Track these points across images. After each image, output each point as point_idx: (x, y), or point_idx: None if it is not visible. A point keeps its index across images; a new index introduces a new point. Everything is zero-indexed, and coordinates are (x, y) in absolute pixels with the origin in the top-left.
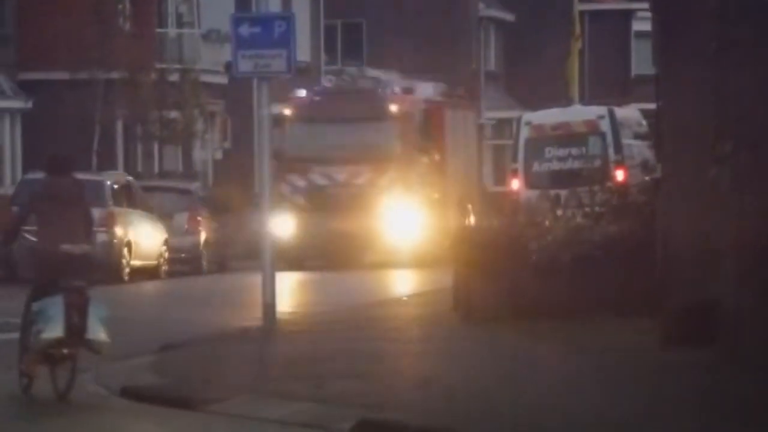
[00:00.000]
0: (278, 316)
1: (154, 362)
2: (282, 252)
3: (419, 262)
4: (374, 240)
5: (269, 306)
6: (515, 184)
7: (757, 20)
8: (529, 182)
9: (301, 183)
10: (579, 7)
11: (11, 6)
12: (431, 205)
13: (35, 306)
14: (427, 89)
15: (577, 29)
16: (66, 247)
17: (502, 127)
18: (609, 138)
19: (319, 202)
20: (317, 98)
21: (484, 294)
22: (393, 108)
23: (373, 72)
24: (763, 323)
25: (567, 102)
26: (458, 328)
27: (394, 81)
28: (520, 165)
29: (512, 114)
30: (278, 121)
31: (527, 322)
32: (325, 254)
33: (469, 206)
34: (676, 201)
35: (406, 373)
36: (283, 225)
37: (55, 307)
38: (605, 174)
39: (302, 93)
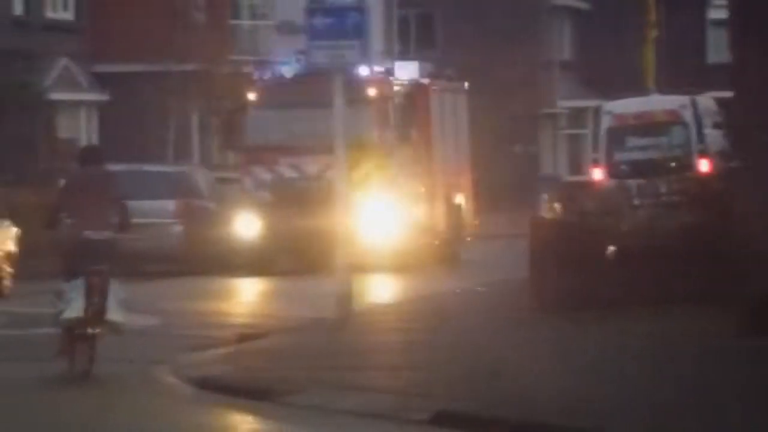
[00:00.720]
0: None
1: (231, 354)
2: (245, 254)
3: (401, 265)
4: (349, 240)
5: (344, 297)
6: (597, 173)
7: None
8: (611, 172)
9: (265, 176)
10: None
11: None
12: (415, 199)
13: (60, 288)
14: (409, 70)
15: (653, 17)
16: (88, 233)
17: (576, 116)
18: (692, 128)
19: (287, 198)
20: (284, 80)
21: (561, 284)
22: (369, 91)
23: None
24: None
25: (643, 91)
26: (536, 318)
27: (372, 60)
28: (601, 155)
29: (587, 103)
30: (240, 106)
31: (604, 312)
32: (294, 256)
33: (553, 200)
34: (752, 190)
35: (484, 363)
36: (245, 223)
37: (76, 290)
38: (688, 164)
39: (267, 74)
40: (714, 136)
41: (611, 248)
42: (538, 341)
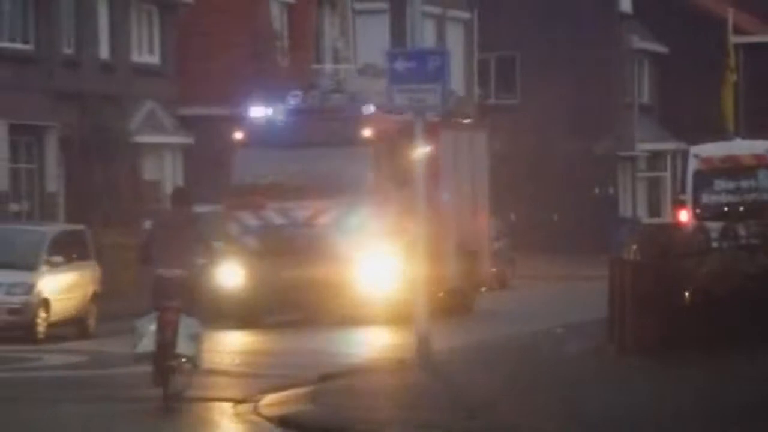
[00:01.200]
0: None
1: (312, 392)
2: (229, 306)
3: (399, 318)
4: (341, 293)
5: (423, 339)
6: (683, 215)
7: None
8: (698, 214)
9: (253, 222)
10: (733, 39)
11: (171, 42)
12: (418, 250)
13: (136, 324)
14: None
15: (732, 61)
16: (161, 271)
17: (655, 159)
18: None
19: (275, 246)
20: (275, 118)
21: (640, 326)
22: (366, 131)
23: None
24: None
25: (722, 134)
26: (616, 360)
27: (372, 98)
28: (688, 196)
29: (665, 146)
30: (227, 147)
31: (685, 354)
32: (282, 309)
33: (633, 242)
34: None
35: (561, 404)
36: (229, 273)
37: (148, 325)
38: None
39: (258, 112)
40: None
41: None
42: (618, 389)
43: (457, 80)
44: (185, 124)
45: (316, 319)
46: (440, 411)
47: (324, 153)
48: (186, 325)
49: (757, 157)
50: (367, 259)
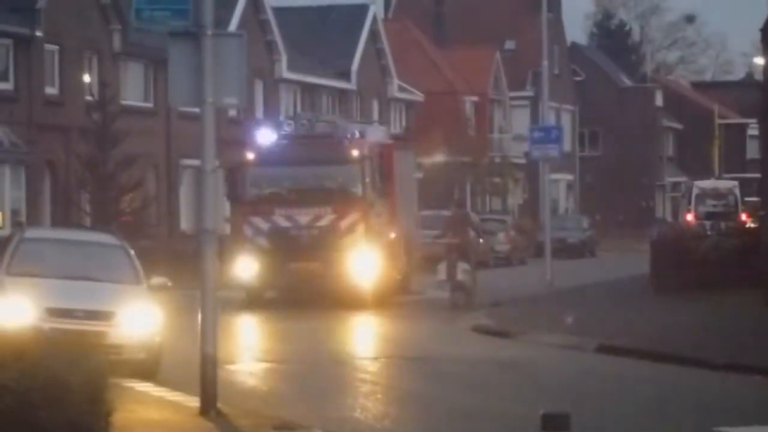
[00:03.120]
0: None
1: (493, 311)
2: (245, 290)
3: (380, 303)
4: (336, 281)
5: (548, 279)
6: (689, 217)
7: None
8: (696, 216)
9: (263, 225)
10: (717, 121)
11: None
12: (388, 246)
13: (437, 267)
14: (376, 132)
15: (717, 134)
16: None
17: (674, 186)
18: (737, 197)
19: (282, 244)
20: (279, 143)
21: (667, 277)
22: (353, 151)
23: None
24: None
25: (712, 174)
26: (654, 294)
27: (347, 125)
28: (692, 207)
29: (680, 179)
30: (240, 165)
31: (693, 293)
32: (288, 293)
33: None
34: None
35: (624, 319)
36: (245, 266)
37: (443, 267)
38: (736, 214)
39: (265, 139)
40: (747, 202)
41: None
42: (657, 308)
43: (567, 141)
44: None
45: (314, 304)
46: (557, 322)
47: (320, 170)
48: (462, 266)
49: (728, 189)
50: (357, 255)
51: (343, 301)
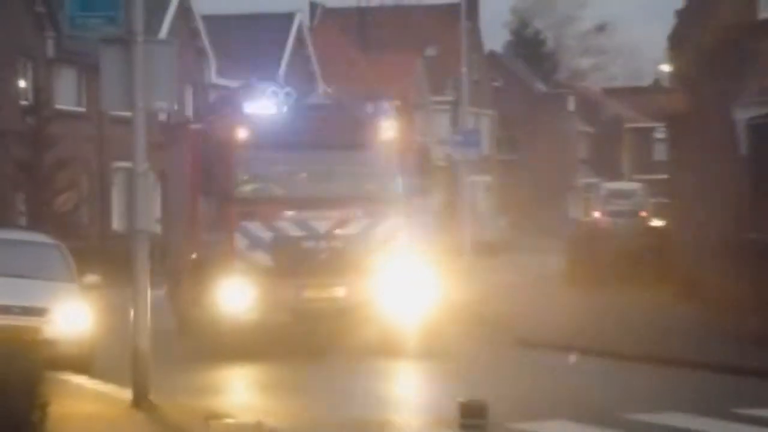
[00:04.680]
0: None
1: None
2: (235, 332)
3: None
4: (370, 315)
5: None
6: (597, 215)
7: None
8: (604, 214)
9: (263, 234)
10: (626, 125)
11: None
12: (431, 262)
13: None
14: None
15: (626, 140)
16: None
17: (588, 188)
18: (641, 197)
19: (290, 262)
20: (283, 116)
21: (585, 270)
22: (390, 131)
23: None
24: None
25: (619, 177)
26: (569, 286)
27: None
28: (600, 207)
29: (593, 181)
30: (225, 146)
31: (610, 287)
32: (298, 334)
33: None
34: (672, 225)
35: (541, 313)
36: (235, 293)
37: None
38: (639, 213)
39: (259, 106)
40: (650, 202)
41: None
42: (572, 302)
43: (486, 145)
44: None
45: (334, 349)
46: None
47: (344, 155)
48: None
49: (632, 190)
50: (400, 277)
51: (379, 345)
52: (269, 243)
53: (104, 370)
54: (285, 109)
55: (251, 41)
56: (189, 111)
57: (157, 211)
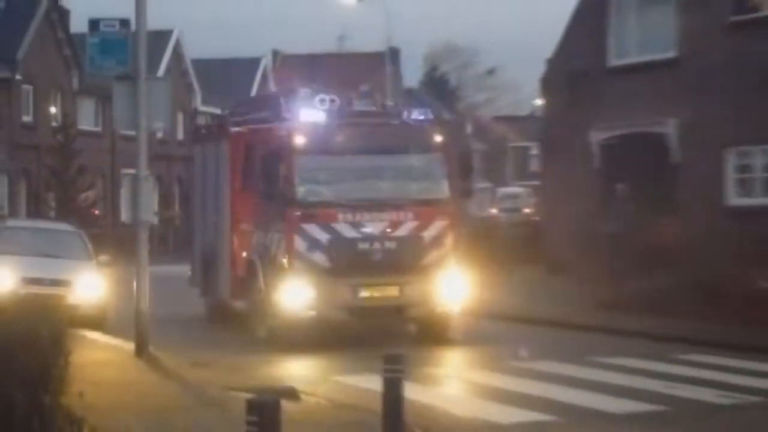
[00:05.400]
0: None
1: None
2: (298, 329)
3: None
4: (425, 313)
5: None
6: (493, 211)
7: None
8: (498, 211)
9: (321, 236)
10: (510, 144)
11: None
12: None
13: None
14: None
15: (509, 152)
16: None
17: (482, 191)
18: (524, 198)
19: (347, 263)
20: (337, 123)
21: (481, 254)
22: (438, 136)
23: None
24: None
25: (506, 184)
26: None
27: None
28: (495, 205)
29: (485, 185)
30: (283, 152)
31: (500, 266)
32: (357, 333)
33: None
34: (547, 220)
35: None
36: (296, 293)
37: None
38: (523, 210)
39: (311, 115)
40: (531, 201)
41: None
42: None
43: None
44: None
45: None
46: None
47: (398, 160)
48: None
49: (517, 192)
50: (450, 276)
51: (433, 340)
52: (327, 244)
53: (114, 328)
54: (332, 115)
55: (227, 78)
56: (179, 132)
57: (155, 206)
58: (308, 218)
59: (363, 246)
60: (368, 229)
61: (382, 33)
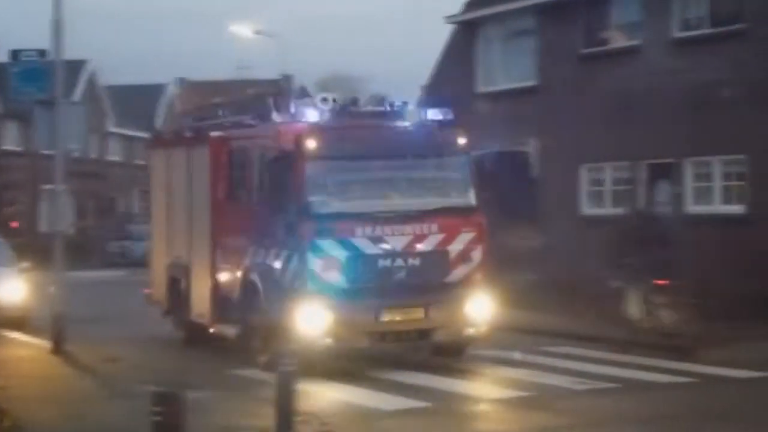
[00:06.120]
0: None
1: None
2: (312, 357)
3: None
4: (452, 337)
5: None
6: None
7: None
8: None
9: (339, 253)
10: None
11: None
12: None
13: None
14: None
15: None
16: None
17: None
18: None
19: (366, 282)
20: (350, 124)
21: None
22: (462, 138)
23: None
24: None
25: None
26: None
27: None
28: None
29: None
30: (292, 158)
31: None
32: (379, 360)
33: None
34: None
35: None
36: (310, 319)
37: None
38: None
39: (314, 114)
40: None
41: None
42: None
43: None
44: None
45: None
46: None
47: (419, 165)
48: None
49: None
50: (478, 292)
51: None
52: (344, 262)
53: (35, 328)
54: (341, 115)
55: (137, 102)
56: (92, 153)
57: (71, 217)
58: (323, 233)
59: (384, 263)
60: (390, 245)
61: (277, 62)
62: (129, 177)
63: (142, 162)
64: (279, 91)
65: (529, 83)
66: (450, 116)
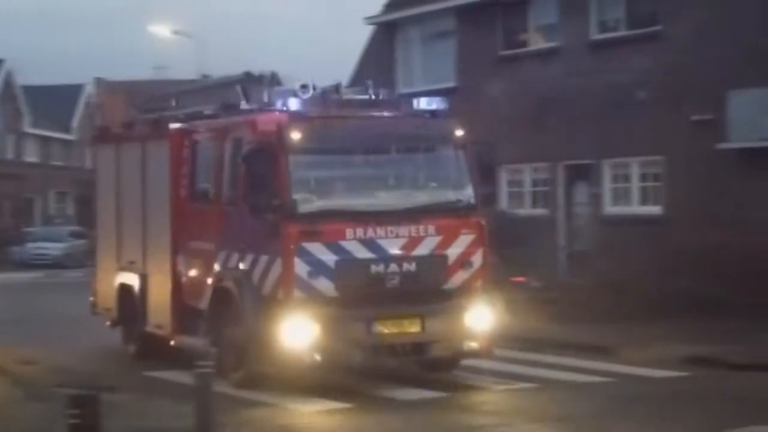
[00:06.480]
0: None
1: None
2: (300, 372)
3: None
4: (451, 351)
5: None
6: None
7: None
8: None
9: (327, 257)
10: None
11: None
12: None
13: None
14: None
15: None
16: None
17: None
18: None
19: (358, 290)
20: (337, 114)
21: None
22: (458, 130)
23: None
24: None
25: None
26: None
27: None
28: None
29: None
30: (273, 150)
31: None
32: (372, 376)
33: None
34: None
35: None
36: (296, 332)
37: None
38: None
39: (295, 103)
40: None
41: None
42: None
43: None
44: None
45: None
46: None
47: (414, 160)
48: None
49: None
50: (479, 301)
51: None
52: (333, 268)
53: None
54: (325, 104)
55: (54, 103)
56: (9, 153)
57: None
58: (310, 235)
59: (377, 269)
60: (383, 248)
61: (195, 62)
62: (46, 178)
63: (59, 163)
64: (247, 78)
65: (449, 84)
66: (444, 106)
